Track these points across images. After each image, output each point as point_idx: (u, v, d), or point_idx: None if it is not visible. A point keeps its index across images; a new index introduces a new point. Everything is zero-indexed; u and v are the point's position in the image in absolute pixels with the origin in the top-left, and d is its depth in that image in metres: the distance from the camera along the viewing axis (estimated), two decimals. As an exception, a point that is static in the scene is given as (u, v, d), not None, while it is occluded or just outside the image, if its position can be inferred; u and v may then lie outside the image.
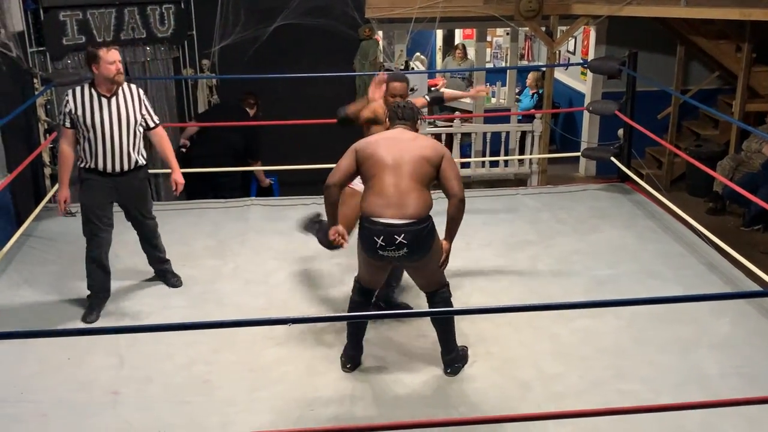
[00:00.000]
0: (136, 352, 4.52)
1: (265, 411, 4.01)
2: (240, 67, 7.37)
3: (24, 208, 6.41)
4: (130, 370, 4.37)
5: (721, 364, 4.35)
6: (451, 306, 4.33)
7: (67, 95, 4.75)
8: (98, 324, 4.83)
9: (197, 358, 4.43)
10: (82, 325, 4.78)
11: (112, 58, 4.71)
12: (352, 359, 4.36)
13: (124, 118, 4.80)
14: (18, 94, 6.48)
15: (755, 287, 5.12)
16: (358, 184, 4.39)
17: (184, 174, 5.26)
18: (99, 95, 4.75)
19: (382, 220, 3.97)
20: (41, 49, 6.87)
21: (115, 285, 5.29)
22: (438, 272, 4.24)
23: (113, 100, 4.78)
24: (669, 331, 4.67)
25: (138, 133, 4.88)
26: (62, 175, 4.92)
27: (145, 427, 3.88)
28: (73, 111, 4.71)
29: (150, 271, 5.41)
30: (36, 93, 6.61)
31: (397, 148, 4.07)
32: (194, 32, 7.41)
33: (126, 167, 4.85)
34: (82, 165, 4.84)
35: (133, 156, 4.87)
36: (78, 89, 4.76)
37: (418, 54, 11.73)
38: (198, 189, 7.00)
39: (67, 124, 4.76)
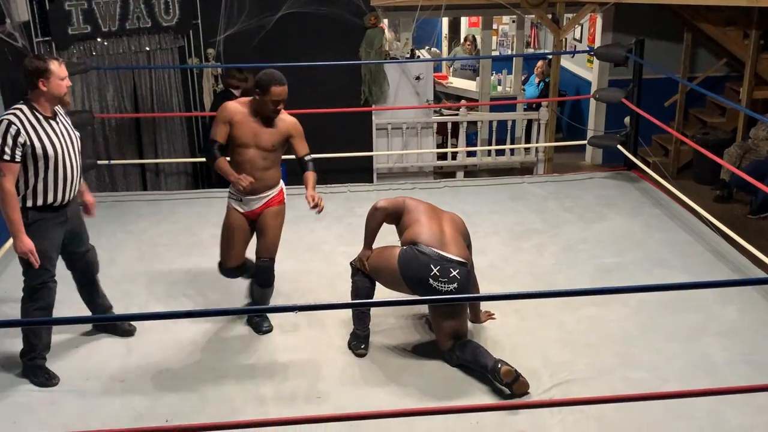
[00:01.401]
0: (144, 340, 4.54)
1: (272, 398, 4.02)
2: (245, 56, 7.36)
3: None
4: (138, 358, 4.40)
5: (728, 351, 4.34)
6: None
7: (11, 124, 3.87)
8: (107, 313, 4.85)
9: (205, 346, 4.45)
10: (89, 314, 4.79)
11: (64, 73, 4.03)
12: (364, 340, 4.39)
13: (71, 139, 4.11)
14: (24, 83, 6.47)
15: (762, 275, 5.12)
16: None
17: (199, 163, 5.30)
18: (44, 118, 4.00)
19: (440, 252, 4.11)
20: (47, 38, 6.87)
21: (122, 273, 5.32)
22: (464, 323, 4.32)
23: (56, 121, 4.06)
24: (676, 319, 4.67)
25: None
26: (18, 220, 3.94)
27: (153, 415, 3.90)
28: (27, 141, 3.89)
29: (157, 260, 5.43)
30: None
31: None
32: (199, 21, 7.40)
33: (74, 193, 4.20)
34: (29, 204, 4.01)
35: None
36: (19, 114, 3.93)
37: (435, 50, 11.71)
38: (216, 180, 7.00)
39: (17, 158, 3.88)
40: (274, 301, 4.90)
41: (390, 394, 4.06)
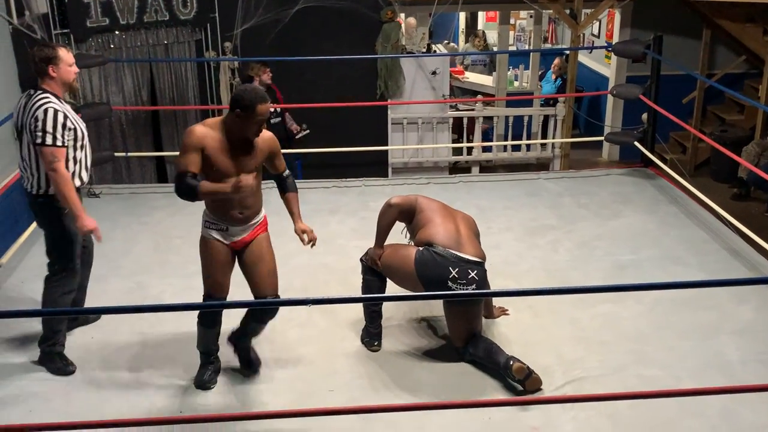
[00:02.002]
0: (159, 332, 4.57)
1: (285, 391, 4.04)
2: (262, 49, 7.37)
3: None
4: (152, 349, 4.43)
5: (742, 350, 4.32)
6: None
7: (57, 111, 3.97)
8: (120, 303, 4.89)
9: (219, 338, 4.47)
10: (105, 305, 4.82)
11: (71, 59, 4.12)
12: (377, 337, 4.40)
13: (83, 121, 4.25)
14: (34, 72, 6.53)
15: (779, 274, 5.08)
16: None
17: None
18: (63, 100, 4.13)
19: (457, 253, 4.09)
20: (65, 31, 6.92)
21: (137, 264, 5.36)
22: (479, 322, 4.29)
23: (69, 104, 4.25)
24: (690, 317, 4.64)
25: None
26: (78, 201, 4.08)
27: (167, 407, 3.93)
28: (71, 126, 4.03)
29: (172, 252, 5.46)
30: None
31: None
32: (217, 15, 7.42)
33: None
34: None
35: None
36: (54, 101, 4.02)
37: (453, 45, 11.67)
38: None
39: (66, 143, 4.02)
40: (288, 294, 4.91)
41: (402, 388, 4.06)
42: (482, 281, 4.11)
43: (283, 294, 4.87)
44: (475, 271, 4.07)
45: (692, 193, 6.24)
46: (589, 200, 6.46)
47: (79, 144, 4.11)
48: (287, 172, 4.12)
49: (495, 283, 4.91)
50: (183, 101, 7.51)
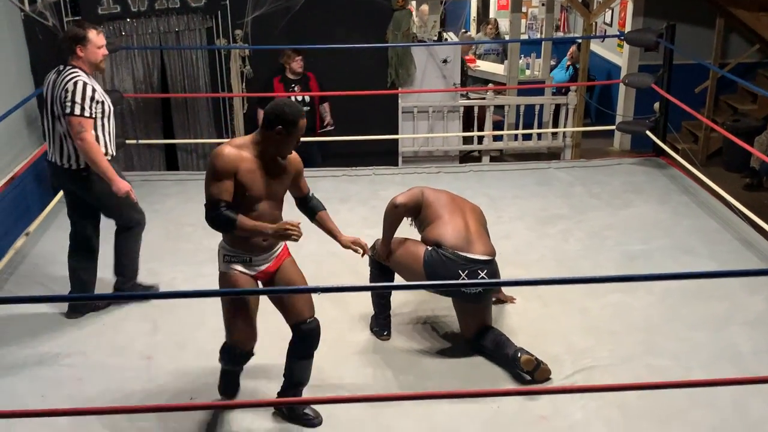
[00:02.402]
0: (170, 318, 4.59)
1: (295, 379, 4.05)
2: (273, 37, 7.36)
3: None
4: (164, 336, 4.45)
5: (754, 341, 4.30)
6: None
7: (87, 84, 4.24)
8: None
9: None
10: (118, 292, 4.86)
11: (101, 41, 4.34)
12: (387, 327, 4.40)
13: (109, 97, 4.51)
14: (54, 63, 6.53)
15: (791, 264, 5.05)
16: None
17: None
18: (94, 78, 4.42)
19: (466, 254, 4.05)
20: (77, 18, 6.92)
21: (148, 251, 5.37)
22: (489, 315, 4.27)
23: (98, 81, 4.58)
24: (702, 308, 4.63)
25: None
26: (109, 166, 4.32)
27: (178, 392, 3.95)
28: (99, 99, 4.30)
29: (183, 239, 5.49)
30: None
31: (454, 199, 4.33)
32: (227, 2, 7.40)
33: None
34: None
35: None
36: (84, 76, 4.27)
37: (470, 34, 11.61)
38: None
39: (94, 114, 4.27)
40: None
41: (411, 377, 4.08)
42: (493, 278, 4.10)
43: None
44: (485, 271, 4.05)
45: (704, 183, 6.21)
46: (601, 190, 6.44)
47: (106, 118, 4.35)
48: (311, 192, 3.85)
49: (505, 272, 4.88)
50: (194, 89, 7.51)
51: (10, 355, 4.27)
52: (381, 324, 4.42)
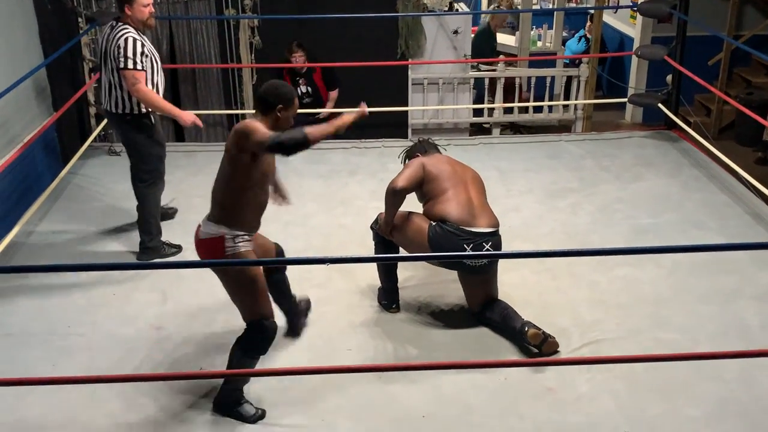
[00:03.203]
0: (179, 288, 4.62)
1: (303, 349, 4.09)
2: (282, 7, 7.30)
3: (70, 147, 6.51)
4: (173, 306, 4.48)
5: (762, 315, 4.30)
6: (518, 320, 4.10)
7: (136, 40, 4.65)
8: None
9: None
10: (126, 261, 4.89)
11: (147, 0, 4.72)
12: (395, 299, 4.42)
13: (158, 53, 4.94)
14: (63, 33, 6.53)
15: (802, 239, 5.03)
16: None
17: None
18: (143, 33, 4.80)
19: (471, 229, 4.05)
20: (85, -12, 6.89)
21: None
22: (495, 288, 4.26)
23: (147, 37, 4.89)
24: (710, 281, 4.62)
25: None
26: (170, 105, 4.89)
27: (187, 362, 3.99)
28: (147, 52, 4.71)
29: (193, 211, 5.50)
30: (81, 32, 6.66)
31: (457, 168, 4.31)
32: (237, -28, 7.35)
33: None
34: (141, 111, 4.80)
35: None
36: (132, 31, 4.69)
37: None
38: None
39: (145, 67, 4.69)
40: (307, 254, 4.95)
41: (419, 348, 4.10)
42: (497, 250, 4.11)
43: (302, 254, 4.92)
44: (490, 243, 4.05)
45: (716, 157, 6.16)
46: (611, 163, 6.40)
47: (155, 70, 4.78)
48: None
49: (514, 245, 4.91)
50: (202, 59, 7.48)
51: (22, 324, 4.31)
52: (389, 297, 4.43)
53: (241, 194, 3.53)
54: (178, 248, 5.03)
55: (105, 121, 6.50)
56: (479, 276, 4.19)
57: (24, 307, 4.46)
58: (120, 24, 4.73)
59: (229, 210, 3.56)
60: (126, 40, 4.64)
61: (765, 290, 4.53)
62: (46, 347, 4.11)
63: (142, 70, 4.68)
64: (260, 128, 3.43)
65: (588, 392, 3.74)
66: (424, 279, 4.69)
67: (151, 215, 4.97)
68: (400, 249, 4.35)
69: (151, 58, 4.75)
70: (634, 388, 3.75)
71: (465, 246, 4.00)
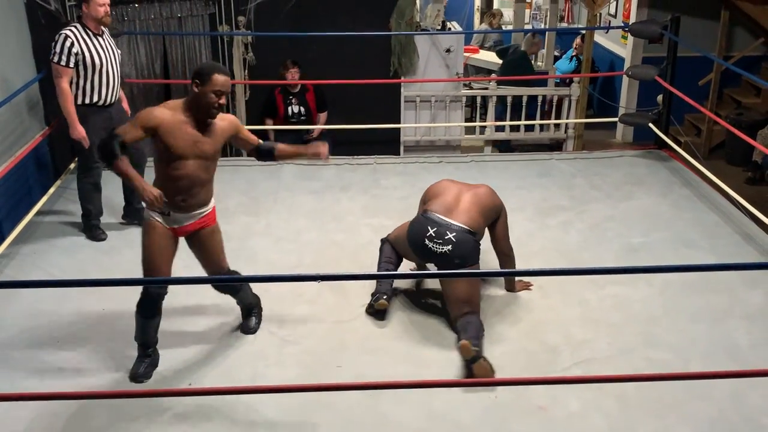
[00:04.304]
0: (169, 304, 4.58)
1: (293, 365, 4.07)
2: (276, 24, 7.34)
3: (61, 161, 6.49)
4: (163, 322, 4.44)
5: (752, 334, 4.30)
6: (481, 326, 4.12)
7: (67, 37, 5.01)
8: (131, 275, 4.91)
9: (228, 311, 4.49)
10: (117, 277, 4.86)
11: (102, 0, 5.10)
12: (386, 295, 4.42)
13: (113, 53, 5.26)
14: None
15: (792, 259, 5.05)
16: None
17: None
18: (93, 34, 5.13)
19: (444, 217, 4.23)
20: (79, 2, 6.89)
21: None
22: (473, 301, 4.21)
23: (102, 38, 5.20)
24: (701, 301, 4.63)
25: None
26: (73, 112, 5.11)
27: (177, 378, 3.96)
28: (78, 52, 5.04)
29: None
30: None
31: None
32: (231, -12, 7.38)
33: (116, 97, 5.34)
34: (79, 102, 5.14)
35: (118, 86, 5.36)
36: (73, 30, 5.06)
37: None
38: None
39: (71, 64, 5.04)
40: (299, 270, 4.94)
41: (410, 365, 4.08)
42: (461, 245, 4.15)
43: (294, 270, 4.91)
44: (454, 233, 4.16)
45: (706, 176, 6.20)
46: (602, 181, 6.43)
47: (96, 71, 5.10)
48: (261, 141, 4.07)
49: (503, 263, 4.90)
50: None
51: (10, 339, 4.28)
52: (381, 291, 4.43)
53: (156, 167, 3.81)
54: (102, 237, 5.39)
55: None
56: (437, 263, 4.26)
57: (13, 322, 4.43)
58: (73, 23, 5.19)
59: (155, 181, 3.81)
60: (59, 35, 5.04)
61: (755, 310, 4.54)
62: (35, 362, 4.08)
63: (66, 66, 5.02)
64: (131, 122, 3.77)
65: (579, 411, 3.73)
66: (415, 295, 4.69)
67: (87, 200, 5.36)
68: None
69: (86, 58, 5.06)
70: (625, 406, 3.75)
71: (429, 228, 4.19)
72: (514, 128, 8.30)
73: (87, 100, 5.17)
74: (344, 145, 7.14)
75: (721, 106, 9.25)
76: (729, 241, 5.38)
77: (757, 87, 9.10)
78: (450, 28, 8.72)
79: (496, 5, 12.37)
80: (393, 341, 4.30)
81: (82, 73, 5.10)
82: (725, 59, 8.64)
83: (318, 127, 7.23)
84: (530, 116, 8.31)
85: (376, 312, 4.46)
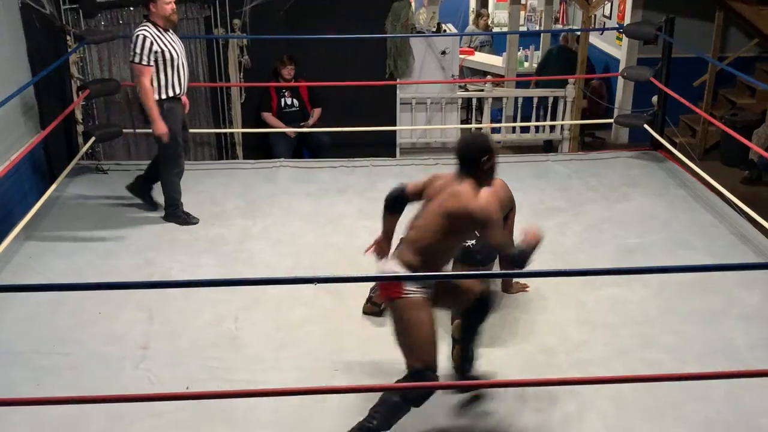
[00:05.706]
0: (166, 307, 4.59)
1: (290, 369, 4.06)
2: (271, 27, 7.34)
3: (57, 165, 6.48)
4: (159, 325, 4.45)
5: (748, 335, 4.31)
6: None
7: (146, 38, 5.23)
8: (128, 279, 4.91)
9: (225, 315, 4.50)
10: (113, 280, 4.85)
11: None
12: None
13: (182, 47, 5.52)
14: (51, 51, 6.53)
15: (787, 259, 5.06)
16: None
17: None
18: (163, 30, 5.37)
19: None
20: (74, 6, 6.89)
21: (145, 241, 5.39)
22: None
23: (170, 33, 5.44)
24: (697, 301, 4.64)
25: None
26: (156, 109, 5.33)
27: (173, 382, 3.96)
28: (158, 49, 5.27)
29: (180, 229, 5.50)
30: (69, 50, 6.66)
31: None
32: (226, -9, 7.38)
33: (187, 87, 5.64)
34: (163, 97, 5.37)
35: None
36: (148, 29, 5.28)
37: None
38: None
39: (151, 62, 5.28)
40: (295, 273, 4.94)
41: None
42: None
43: (291, 273, 4.92)
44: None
45: (701, 177, 6.21)
46: (598, 183, 6.44)
47: (170, 65, 5.35)
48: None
49: (502, 265, 4.90)
50: (191, 78, 7.48)
51: (6, 343, 4.27)
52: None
53: (441, 256, 3.52)
54: (194, 221, 5.65)
55: (93, 138, 6.49)
56: (465, 260, 4.27)
57: (9, 326, 4.42)
58: (143, 21, 5.39)
59: (423, 264, 3.45)
60: (137, 37, 5.26)
61: (751, 310, 4.55)
62: (31, 366, 4.07)
63: (147, 65, 5.26)
64: (499, 225, 3.40)
65: (575, 412, 3.74)
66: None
67: (171, 188, 5.60)
68: None
69: (164, 54, 5.30)
70: (622, 408, 3.75)
71: None
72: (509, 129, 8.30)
73: (169, 93, 5.41)
74: (340, 148, 7.15)
75: (716, 107, 9.28)
76: (725, 242, 5.39)
77: (751, 87, 9.13)
78: (445, 30, 8.74)
79: (491, 7, 12.40)
80: (390, 344, 4.28)
81: (161, 68, 5.33)
82: (720, 60, 8.66)
83: (311, 123, 7.30)
84: (525, 118, 8.32)
85: (374, 305, 4.46)
